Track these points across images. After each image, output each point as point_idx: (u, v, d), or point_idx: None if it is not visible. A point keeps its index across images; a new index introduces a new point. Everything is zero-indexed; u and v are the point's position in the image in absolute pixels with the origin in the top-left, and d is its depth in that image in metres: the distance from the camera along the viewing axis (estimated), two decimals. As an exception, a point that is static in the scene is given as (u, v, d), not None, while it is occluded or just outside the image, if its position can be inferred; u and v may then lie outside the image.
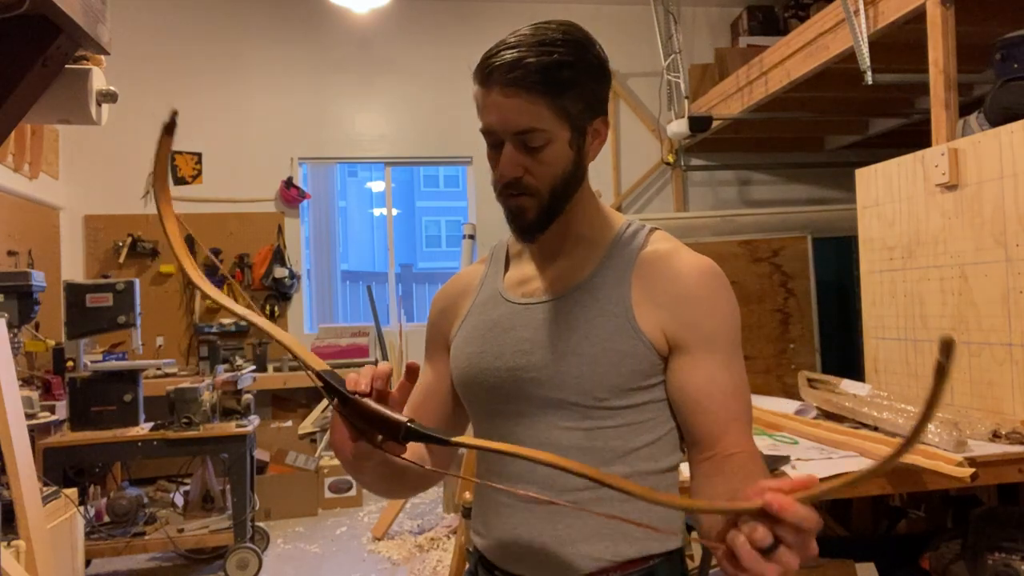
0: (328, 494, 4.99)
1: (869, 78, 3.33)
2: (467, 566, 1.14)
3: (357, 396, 0.85)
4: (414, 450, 1.09)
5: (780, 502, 0.66)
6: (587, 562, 1.00)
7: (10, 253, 4.31)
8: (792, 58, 4.18)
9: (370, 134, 5.95)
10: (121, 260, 5.47)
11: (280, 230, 5.72)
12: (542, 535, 1.02)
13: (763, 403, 2.68)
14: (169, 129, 0.96)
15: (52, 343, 4.16)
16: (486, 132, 1.03)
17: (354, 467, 0.96)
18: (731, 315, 1.04)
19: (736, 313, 1.05)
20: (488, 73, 0.99)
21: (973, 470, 1.81)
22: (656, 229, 1.12)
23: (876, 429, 2.22)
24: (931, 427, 2.03)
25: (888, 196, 2.88)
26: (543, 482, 1.01)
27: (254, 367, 4.95)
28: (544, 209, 1.03)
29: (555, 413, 1.02)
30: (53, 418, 3.53)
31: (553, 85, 0.98)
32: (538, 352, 1.03)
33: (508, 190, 1.03)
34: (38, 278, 3.25)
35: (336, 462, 5.07)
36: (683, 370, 1.01)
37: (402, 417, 0.83)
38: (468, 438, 0.85)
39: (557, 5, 5.98)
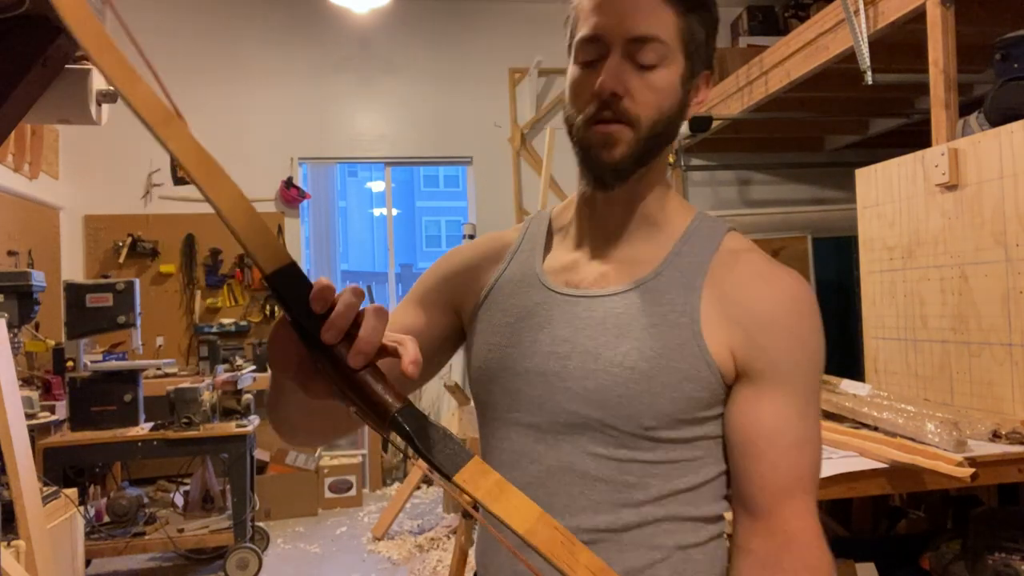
0: (328, 494, 4.99)
1: (869, 78, 3.33)
2: None
3: (333, 348, 0.58)
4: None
5: None
6: None
7: (10, 253, 4.31)
8: (792, 58, 4.18)
9: (370, 134, 5.95)
10: (121, 260, 5.47)
11: (280, 230, 5.72)
12: None
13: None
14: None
15: (52, 343, 4.16)
16: (587, 40, 0.84)
17: (285, 387, 0.75)
18: (817, 350, 0.85)
19: (822, 348, 0.85)
20: None
21: (973, 470, 1.81)
22: (734, 229, 0.92)
23: (876, 429, 2.22)
24: (931, 427, 2.03)
25: (888, 196, 2.88)
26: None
27: (254, 367, 4.94)
28: (637, 147, 0.83)
29: (586, 435, 0.83)
30: (53, 418, 3.53)
31: None
32: (577, 357, 0.84)
33: (601, 111, 0.82)
34: (38, 278, 3.25)
35: (337, 462, 5.07)
36: (747, 404, 0.83)
37: (393, 400, 0.57)
38: (480, 476, 0.54)
39: (556, 5, 5.96)
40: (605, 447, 0.83)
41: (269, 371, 0.75)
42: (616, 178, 0.85)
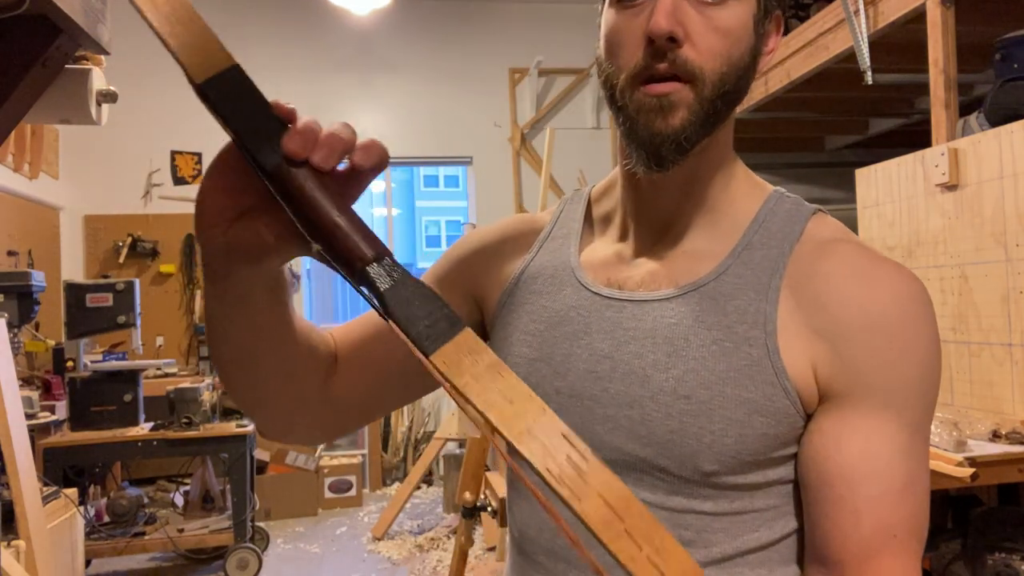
0: (328, 494, 4.99)
1: (869, 78, 3.33)
2: None
3: (291, 166, 0.44)
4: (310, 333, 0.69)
5: None
6: None
7: (10, 253, 4.31)
8: (792, 58, 4.18)
9: (370, 134, 5.87)
10: (121, 260, 5.47)
11: (280, 230, 5.72)
12: None
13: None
14: None
15: (52, 343, 4.16)
16: None
17: (228, 279, 0.55)
18: (931, 367, 0.65)
19: (938, 366, 0.66)
20: None
21: (973, 470, 1.81)
22: (820, 211, 0.73)
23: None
24: (931, 427, 2.03)
25: (888, 196, 2.88)
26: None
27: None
28: (701, 110, 0.65)
29: (630, 476, 0.67)
30: (53, 418, 3.53)
31: None
32: (620, 380, 0.68)
33: (654, 64, 0.63)
34: (38, 278, 3.25)
35: (337, 462, 5.07)
36: (825, 435, 0.64)
37: (367, 248, 0.44)
38: (466, 356, 0.40)
39: (556, 5, 5.97)
40: (654, 493, 0.66)
41: (204, 276, 0.58)
42: (677, 152, 0.66)
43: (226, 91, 0.45)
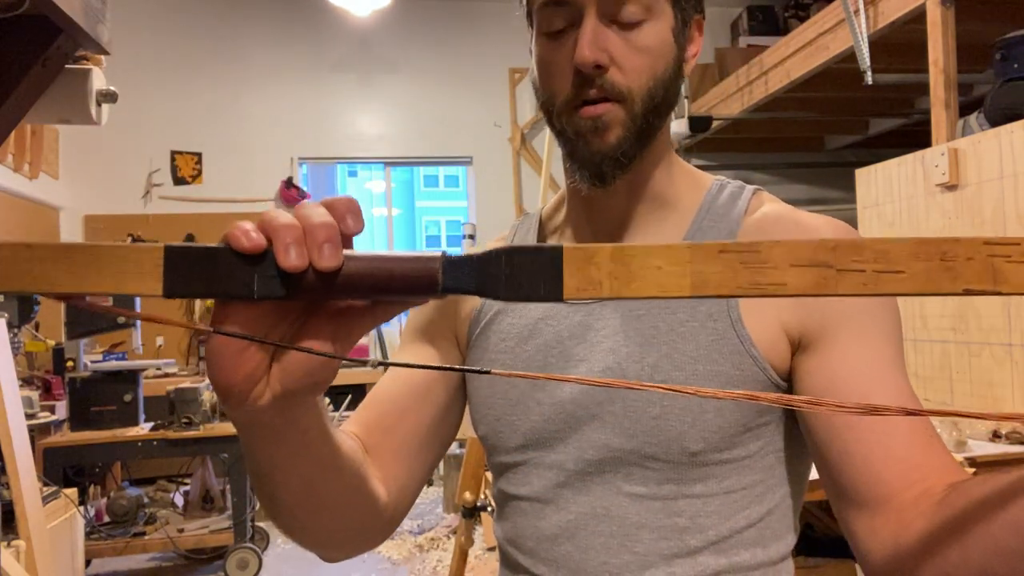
0: (328, 494, 4.98)
1: (869, 78, 3.33)
2: None
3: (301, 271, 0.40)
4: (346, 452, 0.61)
5: None
6: None
7: (10, 253, 4.30)
8: (792, 58, 4.18)
9: (370, 134, 5.95)
10: (121, 260, 5.47)
11: (280, 230, 5.72)
12: None
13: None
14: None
15: (52, 343, 4.16)
16: (551, 3, 0.69)
17: (281, 413, 0.48)
18: (890, 299, 0.68)
19: (895, 298, 0.69)
20: None
21: (973, 470, 1.81)
22: (760, 190, 0.77)
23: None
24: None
25: (888, 196, 2.88)
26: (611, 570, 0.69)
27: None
28: (635, 126, 0.69)
29: (620, 471, 0.69)
30: (53, 418, 3.53)
31: None
32: (598, 378, 0.70)
33: (584, 91, 0.68)
34: (38, 278, 3.25)
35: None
36: (820, 369, 0.66)
37: (424, 261, 0.41)
38: (588, 266, 0.39)
39: (557, 5, 5.97)
40: (645, 484, 0.69)
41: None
42: (616, 167, 0.70)
43: (185, 274, 0.39)
